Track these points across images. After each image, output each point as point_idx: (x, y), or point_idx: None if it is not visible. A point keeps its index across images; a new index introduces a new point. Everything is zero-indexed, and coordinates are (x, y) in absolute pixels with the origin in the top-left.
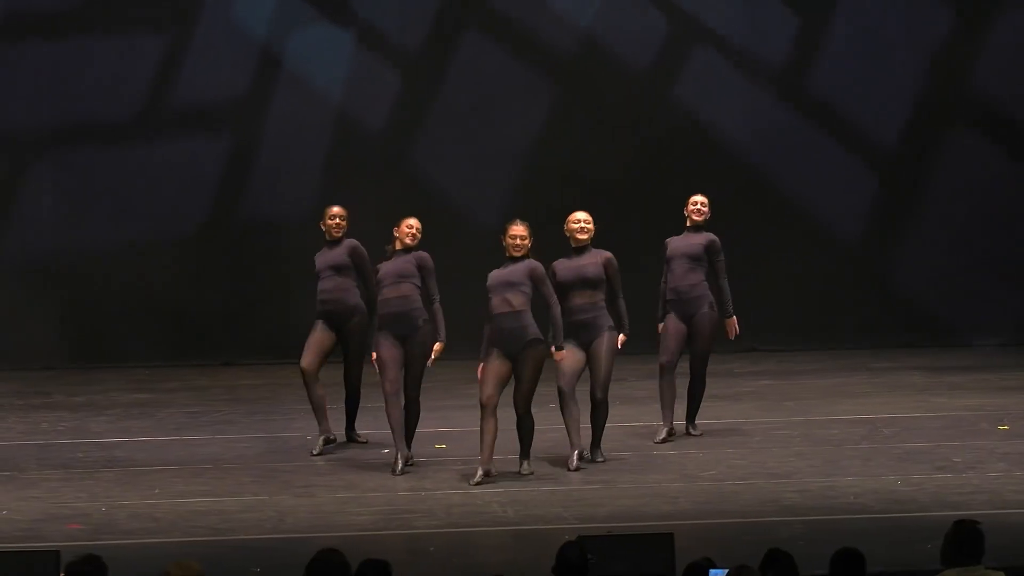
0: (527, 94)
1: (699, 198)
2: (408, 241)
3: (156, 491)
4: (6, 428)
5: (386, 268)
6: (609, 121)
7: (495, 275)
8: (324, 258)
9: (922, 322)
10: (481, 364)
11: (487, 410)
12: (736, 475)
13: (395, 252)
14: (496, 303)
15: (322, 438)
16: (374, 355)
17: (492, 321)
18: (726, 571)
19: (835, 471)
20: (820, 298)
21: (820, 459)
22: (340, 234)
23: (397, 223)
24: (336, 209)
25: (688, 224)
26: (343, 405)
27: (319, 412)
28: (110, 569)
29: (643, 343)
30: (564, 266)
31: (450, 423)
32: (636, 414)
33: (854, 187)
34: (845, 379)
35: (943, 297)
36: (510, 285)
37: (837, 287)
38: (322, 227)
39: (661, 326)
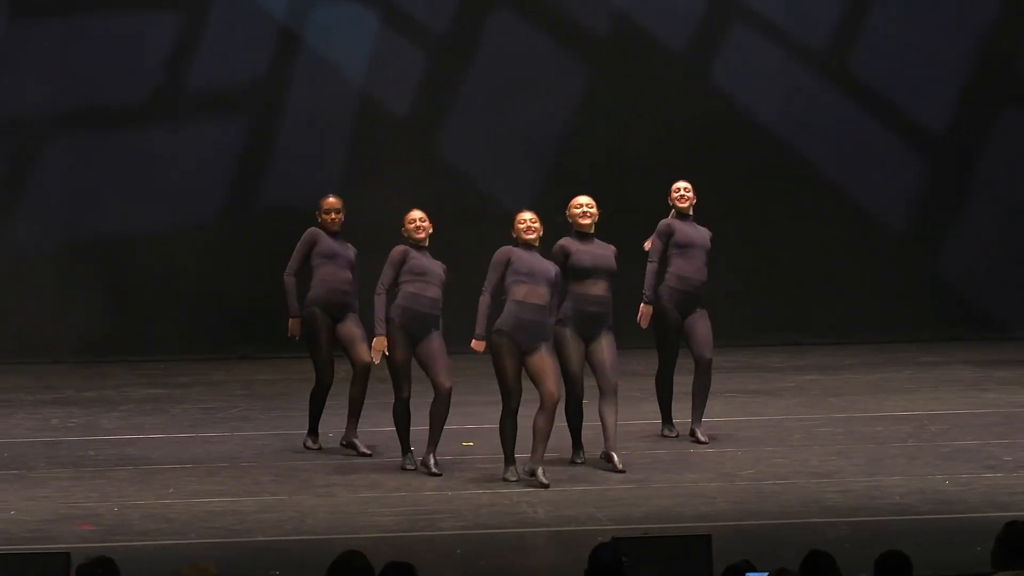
0: (559, 76)
1: (684, 184)
2: (419, 236)
3: (170, 490)
4: (14, 424)
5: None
6: (644, 104)
7: (523, 259)
8: (331, 246)
9: (971, 314)
10: (480, 343)
11: (514, 414)
12: (776, 474)
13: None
14: (524, 291)
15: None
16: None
17: (512, 305)
18: (766, 574)
19: (879, 470)
20: (864, 289)
21: (864, 458)
22: (338, 227)
23: (402, 222)
24: (333, 200)
25: (675, 212)
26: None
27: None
28: (122, 572)
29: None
30: (580, 249)
31: (478, 419)
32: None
33: (900, 173)
34: (890, 374)
35: (993, 288)
36: (542, 278)
37: (882, 277)
38: (320, 219)
39: (648, 308)
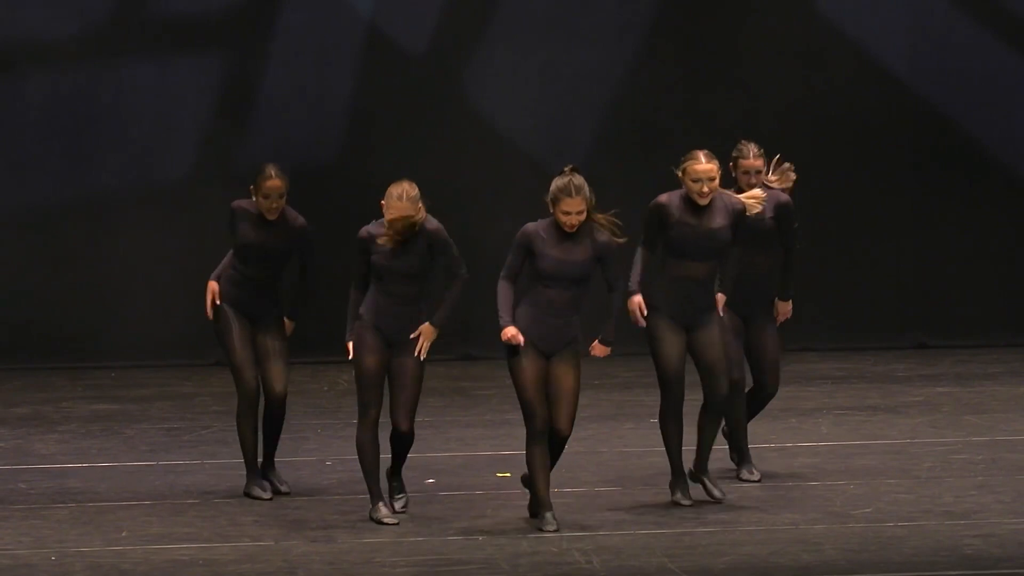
0: (611, 5)
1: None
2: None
3: (123, 534)
4: None
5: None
6: (723, 37)
7: (556, 258)
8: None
9: None
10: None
11: (542, 435)
12: (900, 514)
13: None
14: (553, 294)
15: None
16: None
17: (535, 306)
18: None
19: None
20: (1011, 279)
21: (1012, 492)
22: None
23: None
24: (275, 182)
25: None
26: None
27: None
28: None
29: None
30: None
31: (516, 444)
32: (765, 432)
33: None
34: None
35: None
36: (574, 281)
37: None
38: (254, 197)
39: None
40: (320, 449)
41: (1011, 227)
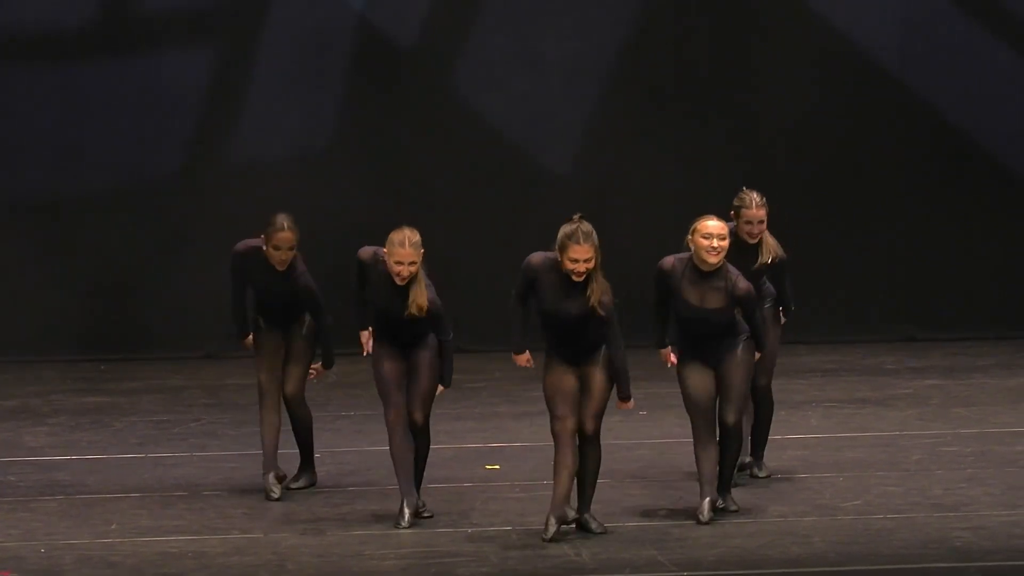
0: None
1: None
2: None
3: (112, 526)
4: None
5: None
6: (713, 29)
7: (561, 311)
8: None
9: None
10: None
11: (564, 438)
12: (889, 507)
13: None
14: (553, 337)
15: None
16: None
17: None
18: None
19: (1021, 501)
20: (1000, 272)
21: (1001, 485)
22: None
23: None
24: (286, 235)
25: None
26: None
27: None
28: None
29: None
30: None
31: (506, 436)
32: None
33: None
34: None
35: None
36: (575, 332)
37: (1021, 255)
38: (265, 247)
39: None
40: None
41: (1001, 221)
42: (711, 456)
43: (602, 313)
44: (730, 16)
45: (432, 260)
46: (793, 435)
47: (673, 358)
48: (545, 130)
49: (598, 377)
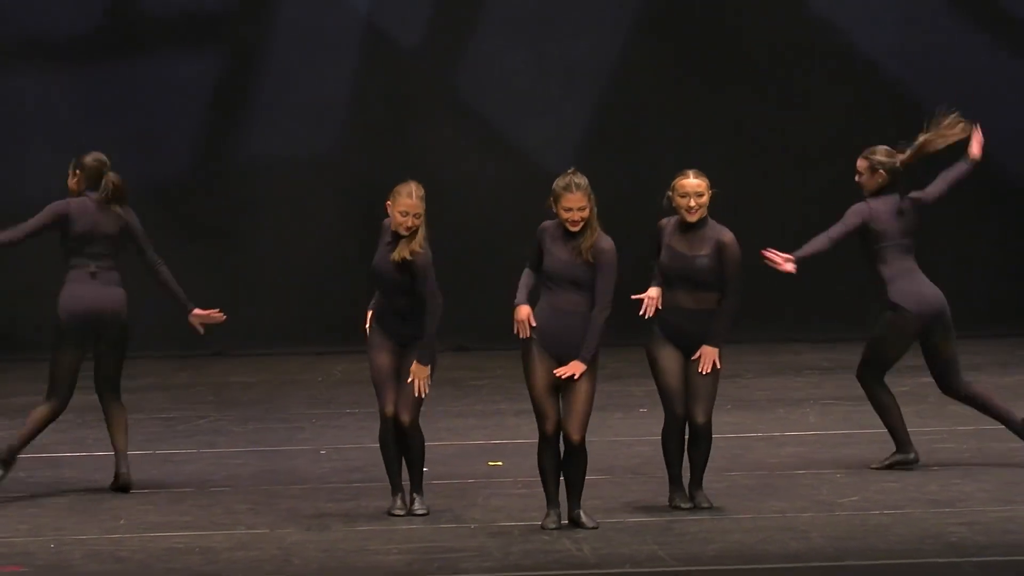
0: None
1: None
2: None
3: (121, 522)
4: None
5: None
6: (710, 34)
7: (557, 261)
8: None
9: None
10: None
11: (551, 440)
12: (886, 503)
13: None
14: (555, 299)
15: None
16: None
17: (545, 308)
18: None
19: (1017, 497)
20: (995, 270)
21: (996, 482)
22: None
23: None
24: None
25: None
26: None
27: None
28: None
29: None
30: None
31: (507, 433)
32: (753, 422)
33: None
34: None
35: None
36: (576, 284)
37: (1019, 255)
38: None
39: None
40: (314, 439)
41: (996, 220)
42: (678, 448)
43: (589, 259)
44: (727, 16)
45: (434, 260)
46: (791, 432)
47: (654, 295)
48: (545, 130)
49: (583, 387)
